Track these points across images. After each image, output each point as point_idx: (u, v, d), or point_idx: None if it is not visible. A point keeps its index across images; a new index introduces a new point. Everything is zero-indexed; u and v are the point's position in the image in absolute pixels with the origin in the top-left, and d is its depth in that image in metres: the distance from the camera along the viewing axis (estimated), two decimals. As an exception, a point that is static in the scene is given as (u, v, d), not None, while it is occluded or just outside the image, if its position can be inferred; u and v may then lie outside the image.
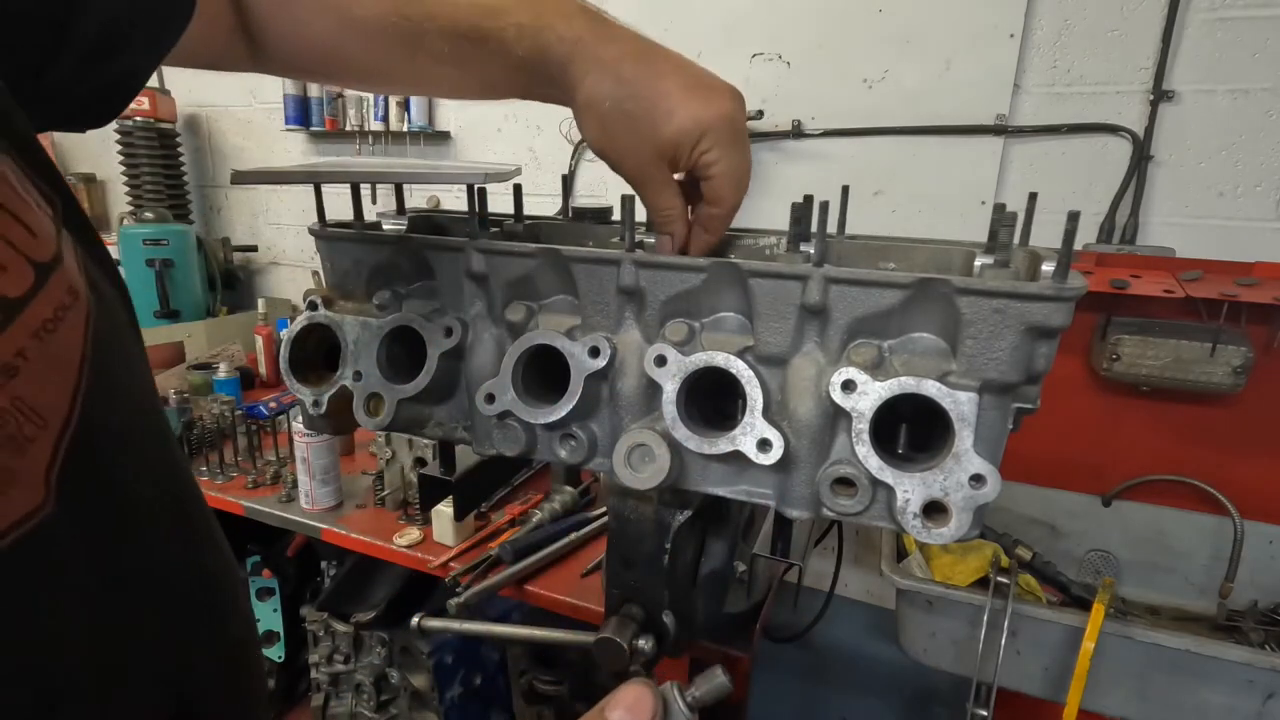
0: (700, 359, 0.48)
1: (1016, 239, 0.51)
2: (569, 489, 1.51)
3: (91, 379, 0.33)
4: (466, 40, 0.51)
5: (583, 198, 2.21)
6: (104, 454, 0.35)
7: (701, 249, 0.56)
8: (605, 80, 0.49)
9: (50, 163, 0.36)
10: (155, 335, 2.21)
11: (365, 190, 1.93)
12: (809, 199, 0.50)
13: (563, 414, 0.52)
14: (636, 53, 0.50)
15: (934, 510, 0.44)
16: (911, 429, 0.50)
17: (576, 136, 2.17)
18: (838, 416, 0.46)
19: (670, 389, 0.48)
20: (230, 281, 2.74)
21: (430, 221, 0.67)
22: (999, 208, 0.49)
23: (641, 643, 0.60)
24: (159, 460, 0.42)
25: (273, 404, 1.89)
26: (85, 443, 0.32)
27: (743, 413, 0.47)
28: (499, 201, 0.57)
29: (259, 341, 2.32)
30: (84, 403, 0.33)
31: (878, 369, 0.45)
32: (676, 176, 0.53)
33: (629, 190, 0.52)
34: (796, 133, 1.88)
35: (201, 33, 0.51)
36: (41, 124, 0.40)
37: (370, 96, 2.42)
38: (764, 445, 0.46)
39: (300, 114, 2.52)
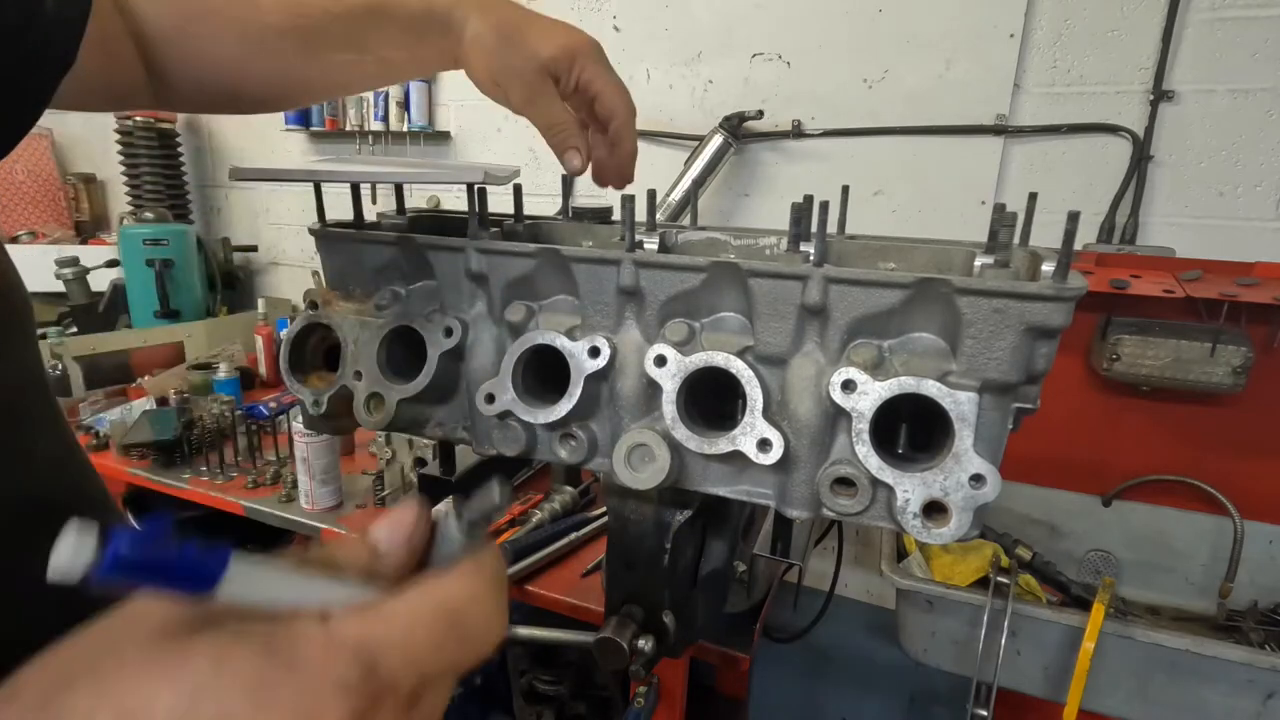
0: (700, 359, 0.48)
1: (1016, 239, 0.51)
2: (569, 489, 1.51)
3: None
4: (363, 17, 0.55)
5: (583, 198, 2.20)
6: None
7: (623, 162, 0.61)
8: (488, 18, 0.56)
9: None
10: (155, 335, 2.21)
11: (365, 190, 1.93)
12: (809, 199, 0.50)
13: (563, 414, 0.52)
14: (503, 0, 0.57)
15: (934, 510, 0.44)
16: (911, 429, 0.50)
17: (576, 136, 2.17)
18: (838, 416, 0.46)
19: (670, 389, 0.48)
20: (230, 281, 2.73)
21: (430, 221, 0.67)
22: (999, 208, 0.49)
23: (641, 643, 0.60)
24: None
25: (273, 404, 1.88)
26: None
27: (743, 413, 0.47)
28: (499, 201, 0.57)
29: (259, 341, 2.32)
30: None
31: (878, 369, 0.45)
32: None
33: (629, 191, 0.52)
34: (796, 133, 1.88)
35: (99, 66, 0.49)
36: None
37: (370, 96, 2.42)
38: (764, 445, 0.46)
39: (300, 114, 2.51)
